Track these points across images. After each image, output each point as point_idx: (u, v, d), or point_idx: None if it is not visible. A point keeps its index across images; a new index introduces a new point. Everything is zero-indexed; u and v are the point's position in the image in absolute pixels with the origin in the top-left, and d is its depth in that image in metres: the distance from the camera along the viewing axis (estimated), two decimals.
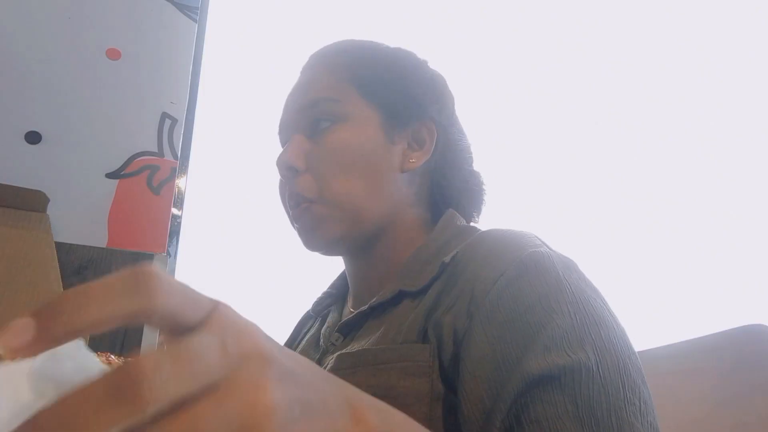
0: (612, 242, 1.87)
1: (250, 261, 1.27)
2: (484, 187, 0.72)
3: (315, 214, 0.61)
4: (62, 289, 0.99)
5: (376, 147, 0.62)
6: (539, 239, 0.55)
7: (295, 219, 0.64)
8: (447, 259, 0.55)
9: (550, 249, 0.53)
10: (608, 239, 1.87)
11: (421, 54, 0.72)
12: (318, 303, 0.74)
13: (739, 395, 0.71)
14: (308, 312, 0.77)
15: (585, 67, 1.88)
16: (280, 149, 0.68)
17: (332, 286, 0.75)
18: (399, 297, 0.57)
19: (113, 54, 1.17)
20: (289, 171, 0.62)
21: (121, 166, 1.12)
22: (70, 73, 1.13)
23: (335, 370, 0.54)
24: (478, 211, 0.72)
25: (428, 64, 0.72)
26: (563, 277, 0.49)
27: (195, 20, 1.26)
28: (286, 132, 0.67)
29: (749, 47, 1.90)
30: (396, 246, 0.64)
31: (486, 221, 0.74)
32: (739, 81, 1.91)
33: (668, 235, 1.96)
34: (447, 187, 0.68)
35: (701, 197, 2.11)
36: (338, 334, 0.61)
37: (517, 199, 1.73)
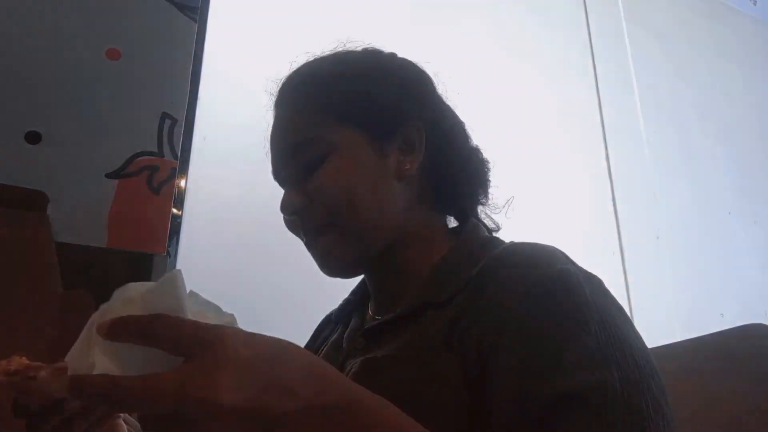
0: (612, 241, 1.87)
1: (250, 261, 1.27)
2: (487, 164, 0.72)
3: (327, 240, 0.63)
4: (62, 290, 0.99)
5: (369, 166, 0.63)
6: (565, 255, 0.56)
7: (309, 248, 0.66)
8: (474, 272, 0.56)
9: (577, 266, 0.54)
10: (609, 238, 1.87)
11: (385, 46, 0.71)
12: (341, 309, 0.76)
13: (739, 395, 0.71)
14: (329, 316, 0.78)
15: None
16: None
17: (353, 293, 0.77)
18: (423, 308, 0.57)
19: (113, 54, 1.17)
20: (294, 213, 0.64)
21: (121, 166, 1.12)
22: (70, 73, 1.13)
23: (360, 375, 0.55)
24: (485, 188, 0.72)
25: (395, 59, 0.71)
26: (590, 295, 0.50)
27: (195, 20, 1.26)
28: (279, 179, 0.68)
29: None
30: (412, 256, 0.64)
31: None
32: None
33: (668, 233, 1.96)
34: (449, 177, 0.68)
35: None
36: (362, 339, 0.62)
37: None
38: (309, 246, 0.66)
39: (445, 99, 0.72)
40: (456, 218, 0.72)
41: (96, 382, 0.35)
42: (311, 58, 0.71)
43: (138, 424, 0.66)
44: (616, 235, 1.86)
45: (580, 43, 2.05)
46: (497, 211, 0.73)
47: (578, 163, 1.89)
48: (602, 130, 1.98)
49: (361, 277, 0.74)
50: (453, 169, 0.68)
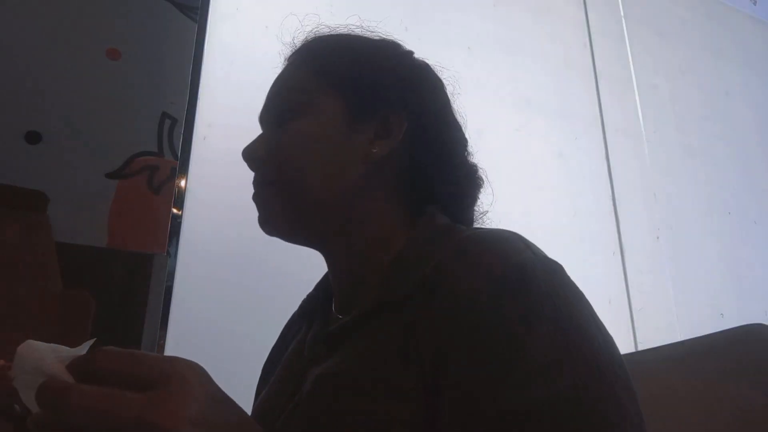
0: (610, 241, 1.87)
1: (250, 261, 1.27)
2: (479, 181, 0.70)
3: (267, 194, 0.64)
4: (62, 290, 0.99)
5: (334, 135, 0.63)
6: (523, 242, 0.53)
7: (254, 199, 0.66)
8: (428, 271, 0.53)
9: (534, 253, 0.51)
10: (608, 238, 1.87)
11: (410, 46, 0.71)
12: (303, 306, 0.74)
13: (739, 395, 0.71)
14: (295, 315, 0.77)
15: None
16: None
17: (317, 288, 0.75)
18: (381, 307, 0.55)
19: (113, 54, 1.17)
20: (252, 162, 0.65)
21: (121, 166, 1.12)
22: (70, 73, 1.13)
23: (316, 395, 0.53)
24: (469, 207, 0.69)
25: (412, 56, 0.71)
26: (544, 289, 0.48)
27: (195, 20, 1.26)
28: (260, 122, 0.70)
29: None
30: (371, 242, 0.63)
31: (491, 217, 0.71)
32: None
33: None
34: (425, 180, 0.65)
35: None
36: (323, 345, 0.60)
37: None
38: (254, 197, 0.66)
39: (455, 113, 0.71)
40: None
41: (55, 386, 0.35)
42: (334, 29, 0.74)
43: None
44: (616, 235, 1.86)
45: (580, 43, 2.05)
46: (483, 216, 0.71)
47: (578, 163, 1.89)
48: (602, 130, 1.98)
49: (326, 271, 0.72)
50: (433, 173, 0.65)
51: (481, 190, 0.70)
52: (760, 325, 0.75)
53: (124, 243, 1.08)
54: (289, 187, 0.62)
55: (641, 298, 1.79)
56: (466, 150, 0.70)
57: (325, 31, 0.74)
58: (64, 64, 1.12)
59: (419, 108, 0.66)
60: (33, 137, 1.07)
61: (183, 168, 1.18)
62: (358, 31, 0.73)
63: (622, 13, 2.20)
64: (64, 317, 0.99)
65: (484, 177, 0.70)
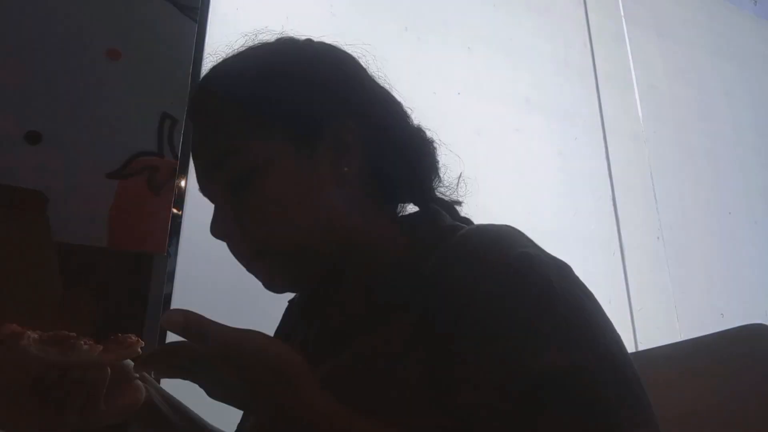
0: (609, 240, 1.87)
1: None
2: (433, 144, 0.66)
3: (265, 264, 0.59)
4: (62, 290, 0.99)
5: (302, 179, 0.58)
6: (527, 238, 0.53)
7: (250, 272, 0.62)
8: (427, 270, 0.53)
9: (541, 251, 0.52)
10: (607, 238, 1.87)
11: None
12: (305, 300, 0.72)
13: (739, 395, 0.71)
14: (294, 301, 0.75)
15: None
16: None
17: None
18: (386, 309, 0.55)
19: (113, 54, 1.17)
20: (229, 238, 0.60)
21: (121, 166, 1.12)
22: (70, 73, 1.13)
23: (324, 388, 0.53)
24: (435, 170, 0.66)
25: (311, 50, 0.64)
26: (554, 280, 0.48)
27: (195, 20, 1.26)
28: (205, 193, 0.63)
29: None
30: (368, 254, 0.61)
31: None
32: None
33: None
34: (392, 168, 0.62)
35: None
36: (328, 343, 0.60)
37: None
38: (250, 270, 0.61)
39: (376, 79, 0.66)
40: (415, 205, 0.67)
41: (195, 317, 0.45)
42: (222, 58, 0.66)
43: (157, 385, 0.67)
44: (616, 235, 1.86)
45: (580, 43, 2.05)
46: (452, 192, 0.67)
47: (578, 163, 1.89)
48: (602, 130, 1.98)
49: None
50: (394, 159, 0.62)
51: (437, 150, 0.67)
52: (760, 325, 0.75)
53: (124, 243, 1.08)
54: (286, 251, 0.58)
55: (641, 298, 1.79)
56: (407, 116, 0.66)
57: (216, 63, 0.66)
58: (64, 64, 1.12)
59: (356, 106, 0.61)
60: (33, 137, 1.07)
61: (183, 168, 1.18)
62: (250, 43, 0.66)
63: (622, 13, 2.20)
64: (63, 317, 0.99)
65: (432, 136, 0.67)
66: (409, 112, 0.66)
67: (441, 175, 0.66)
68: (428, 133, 0.67)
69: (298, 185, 0.58)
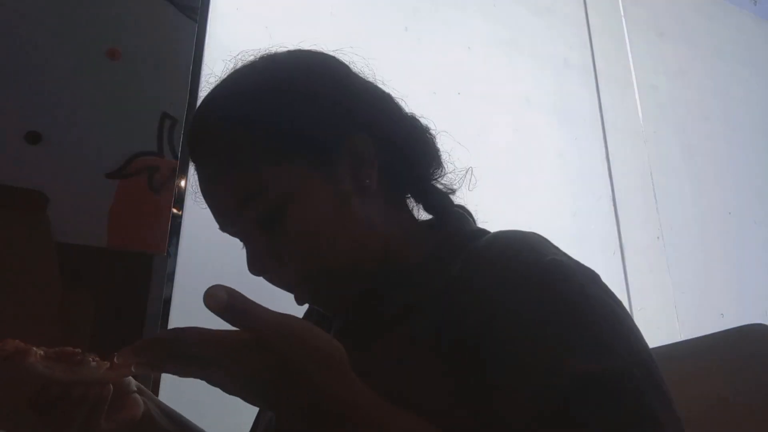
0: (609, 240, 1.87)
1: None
2: (429, 132, 0.66)
3: (316, 292, 0.60)
4: (62, 290, 0.99)
5: (329, 201, 0.57)
6: (552, 245, 0.54)
7: (300, 300, 0.61)
8: (457, 269, 0.53)
9: (568, 257, 0.52)
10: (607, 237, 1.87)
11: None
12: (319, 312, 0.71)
13: (739, 395, 0.71)
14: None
15: None
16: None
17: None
18: (409, 309, 0.55)
19: (113, 54, 1.17)
20: (264, 274, 0.60)
21: (121, 166, 1.12)
22: (70, 73, 1.13)
23: None
24: (437, 160, 0.65)
25: (305, 67, 0.62)
26: (586, 287, 0.48)
27: (195, 20, 1.26)
28: (229, 232, 0.62)
29: None
30: (395, 257, 0.61)
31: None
32: None
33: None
34: (399, 164, 0.62)
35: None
36: (348, 339, 0.60)
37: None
38: (300, 300, 0.61)
39: (361, 75, 0.64)
40: (416, 200, 0.66)
41: (239, 294, 0.40)
42: (211, 91, 0.62)
43: (155, 398, 0.66)
44: (616, 235, 1.86)
45: (580, 43, 2.05)
46: (457, 183, 0.66)
47: (578, 163, 1.89)
48: (602, 130, 1.98)
49: None
50: (401, 157, 0.61)
51: (435, 138, 0.66)
52: (760, 325, 0.75)
53: (124, 243, 1.08)
54: (330, 275, 0.57)
55: (641, 298, 1.79)
56: (400, 108, 0.65)
57: (210, 98, 0.61)
58: (64, 64, 1.12)
59: (361, 115, 0.60)
60: (33, 137, 1.07)
61: (183, 168, 1.18)
62: (236, 66, 0.63)
63: (622, 13, 2.20)
64: (63, 317, 0.99)
65: (428, 124, 0.67)
66: (398, 101, 0.66)
67: (442, 164, 0.66)
68: (423, 121, 0.67)
69: (327, 207, 0.57)
